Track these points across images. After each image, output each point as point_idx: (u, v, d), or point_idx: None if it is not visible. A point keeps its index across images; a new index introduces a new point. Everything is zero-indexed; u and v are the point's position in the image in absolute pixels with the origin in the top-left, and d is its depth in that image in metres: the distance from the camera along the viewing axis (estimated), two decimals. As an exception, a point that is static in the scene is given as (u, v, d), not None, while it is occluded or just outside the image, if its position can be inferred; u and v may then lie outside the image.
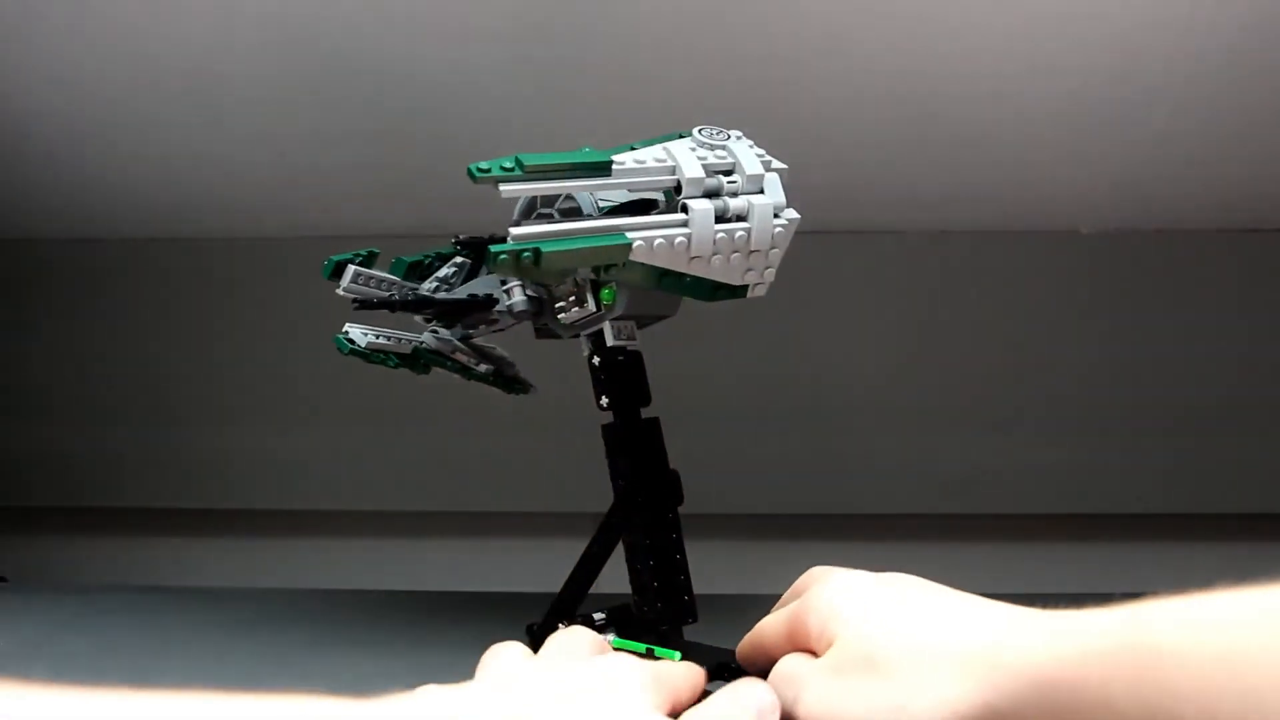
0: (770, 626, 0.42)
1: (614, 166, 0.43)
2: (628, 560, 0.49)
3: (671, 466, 0.49)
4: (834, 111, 0.68)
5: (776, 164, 0.45)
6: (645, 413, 0.49)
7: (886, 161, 0.72)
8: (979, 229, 0.79)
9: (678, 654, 0.46)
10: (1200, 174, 0.73)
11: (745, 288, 0.45)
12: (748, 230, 0.43)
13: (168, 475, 0.85)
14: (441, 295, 0.52)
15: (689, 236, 0.42)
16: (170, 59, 0.66)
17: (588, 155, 0.43)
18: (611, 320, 0.48)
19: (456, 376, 0.56)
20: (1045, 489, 0.81)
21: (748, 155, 0.44)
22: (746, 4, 0.61)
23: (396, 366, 0.54)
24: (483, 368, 0.55)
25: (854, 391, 0.81)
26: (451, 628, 0.58)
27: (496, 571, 0.83)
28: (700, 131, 0.45)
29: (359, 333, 0.53)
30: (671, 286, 0.44)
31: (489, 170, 0.41)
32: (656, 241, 0.42)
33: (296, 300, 0.84)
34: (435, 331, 0.54)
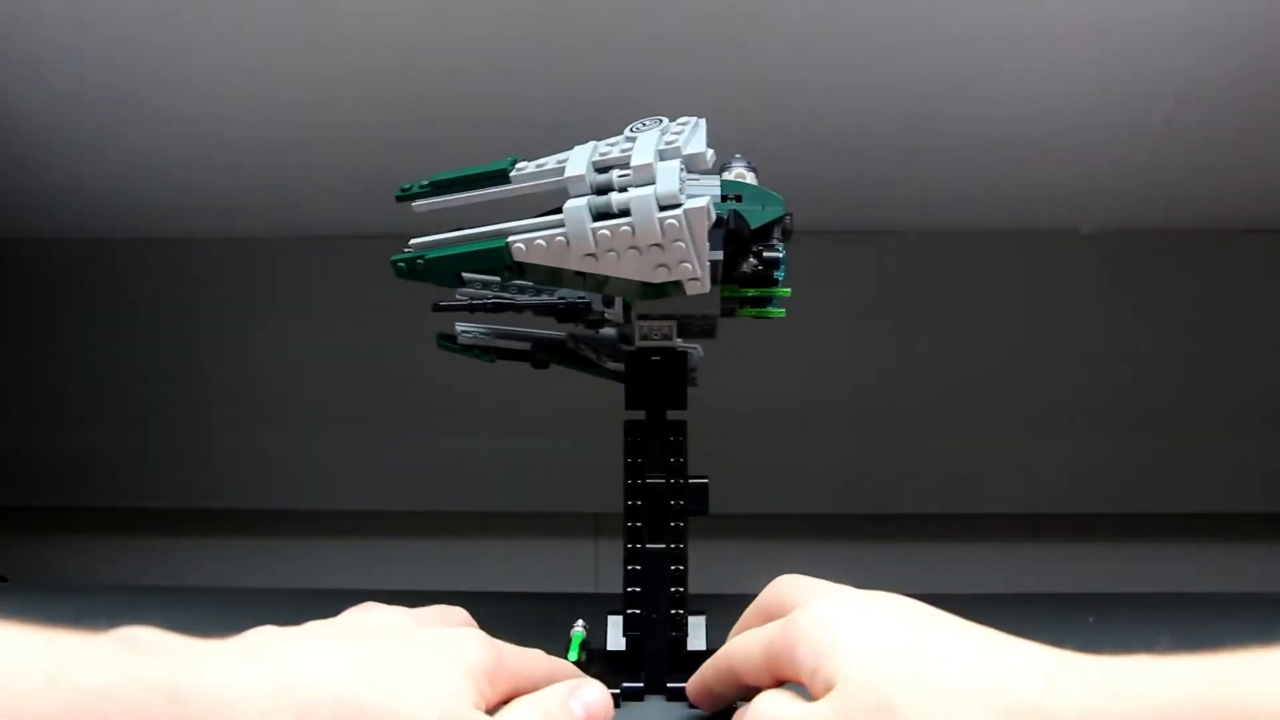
0: (743, 653, 0.38)
1: (513, 173, 0.44)
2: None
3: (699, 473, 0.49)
4: (834, 112, 0.68)
5: (693, 149, 0.43)
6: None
7: (886, 161, 0.72)
8: (979, 229, 0.79)
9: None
10: (1200, 174, 0.73)
11: (676, 284, 0.42)
12: (631, 225, 0.41)
13: (168, 475, 0.85)
14: (525, 299, 0.51)
15: (566, 235, 0.42)
16: (170, 59, 0.66)
17: (492, 165, 0.44)
18: (639, 320, 0.48)
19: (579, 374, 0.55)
20: (1045, 489, 0.81)
21: (645, 145, 0.42)
22: (747, 5, 0.61)
23: (493, 361, 0.54)
24: (612, 365, 0.54)
25: (853, 391, 0.81)
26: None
27: (496, 571, 0.83)
28: (631, 126, 0.45)
29: (467, 330, 0.54)
30: (612, 288, 0.44)
31: (409, 189, 0.46)
32: (536, 241, 0.42)
33: (296, 300, 0.84)
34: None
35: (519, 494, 0.83)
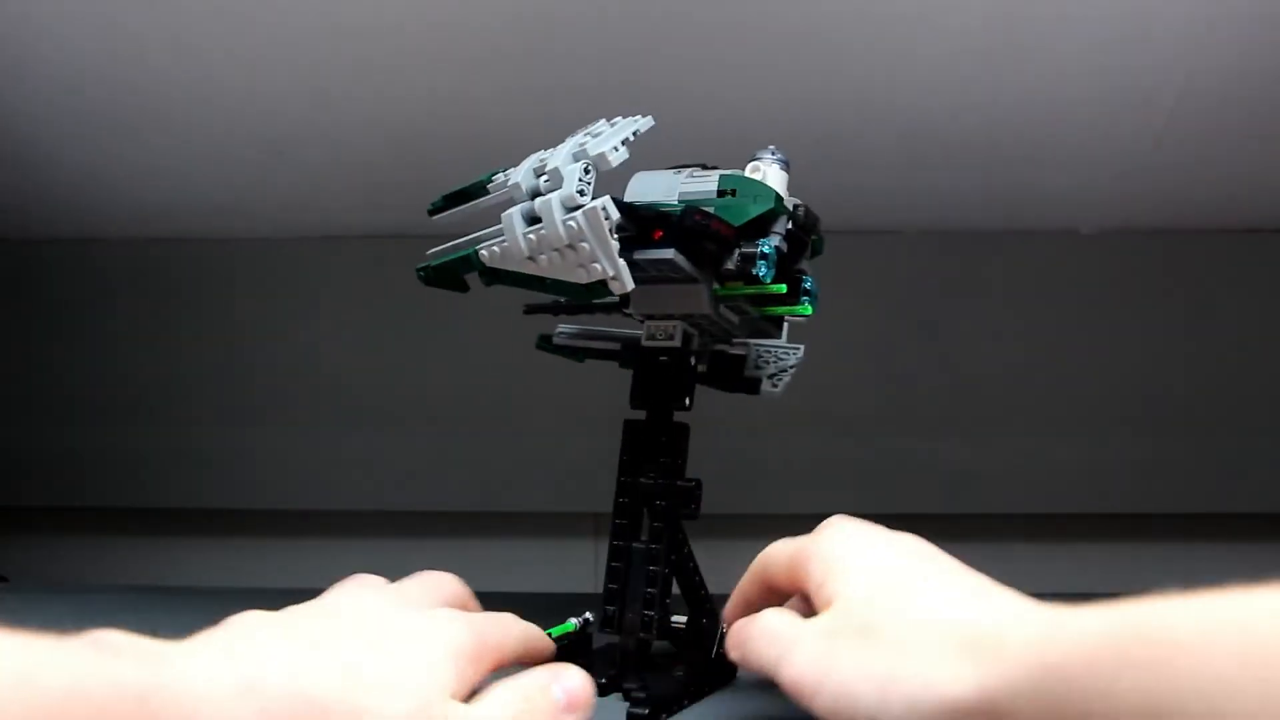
0: (774, 554, 0.43)
1: (490, 185, 0.46)
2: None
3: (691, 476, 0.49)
4: (834, 112, 0.68)
5: (600, 148, 0.43)
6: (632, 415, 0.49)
7: (886, 162, 0.72)
8: (979, 229, 0.79)
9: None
10: (1200, 174, 0.73)
11: (601, 284, 0.43)
12: (542, 229, 0.42)
13: (168, 475, 0.85)
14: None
15: (505, 243, 0.43)
16: (171, 60, 0.66)
17: (478, 178, 0.46)
18: (646, 321, 0.49)
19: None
20: (1046, 489, 0.81)
21: (565, 148, 0.43)
22: (746, 7, 0.61)
23: (582, 360, 0.54)
24: (700, 367, 0.53)
25: (853, 391, 0.81)
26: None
27: (496, 571, 0.83)
28: (584, 129, 0.46)
29: (562, 331, 0.55)
30: (555, 289, 0.44)
31: (436, 203, 0.48)
32: (493, 248, 0.44)
33: (296, 300, 0.84)
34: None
35: (519, 494, 0.83)
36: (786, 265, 0.47)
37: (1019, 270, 0.81)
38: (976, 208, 0.77)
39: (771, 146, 0.49)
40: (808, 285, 0.49)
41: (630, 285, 0.42)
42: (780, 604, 0.43)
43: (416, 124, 0.70)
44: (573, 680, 0.37)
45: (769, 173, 0.48)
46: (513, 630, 0.40)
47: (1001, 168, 0.72)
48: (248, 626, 0.33)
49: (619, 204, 0.43)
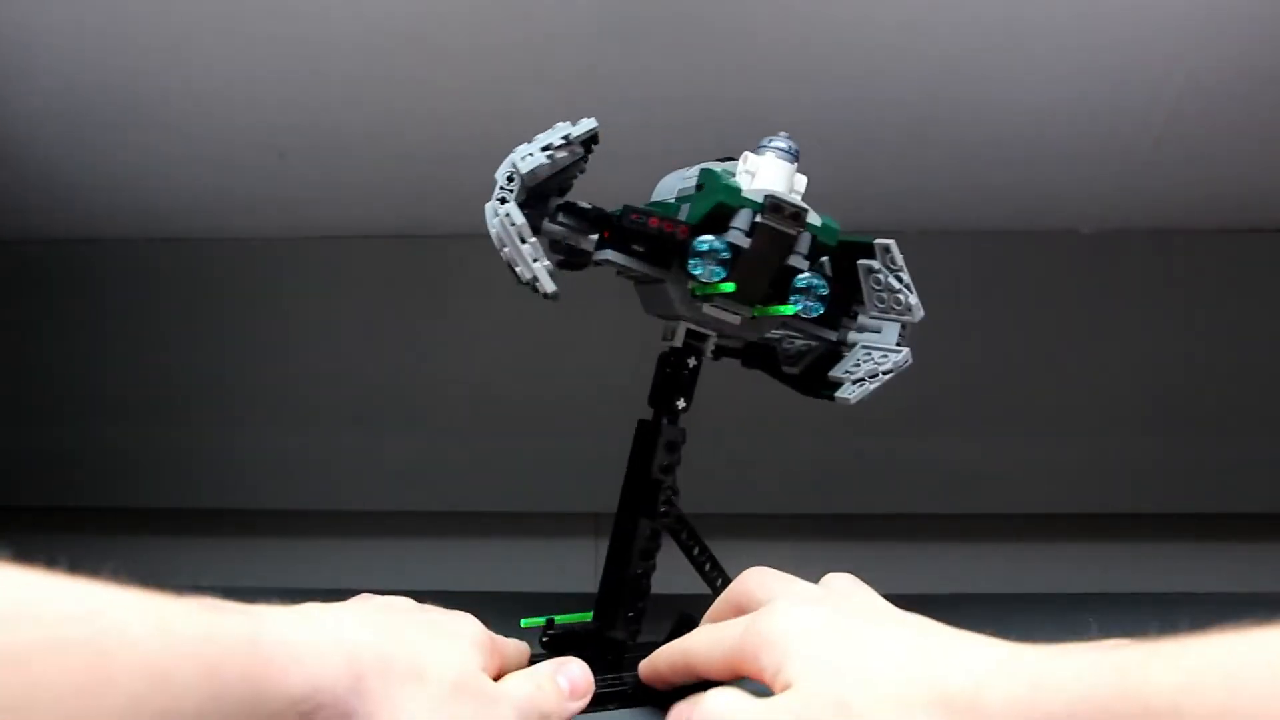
0: (704, 650, 0.41)
1: None
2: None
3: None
4: (835, 112, 0.68)
5: (519, 154, 0.45)
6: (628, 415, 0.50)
7: (887, 162, 0.72)
8: (979, 229, 0.79)
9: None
10: (1200, 174, 0.73)
11: (531, 283, 0.45)
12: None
13: (168, 475, 0.85)
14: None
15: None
16: (171, 59, 0.66)
17: None
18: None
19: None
20: (1046, 489, 0.81)
21: (513, 153, 0.45)
22: (746, 8, 0.61)
23: (717, 359, 0.53)
24: (789, 370, 0.53)
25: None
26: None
27: (496, 571, 0.83)
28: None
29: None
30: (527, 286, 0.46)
31: None
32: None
33: (296, 300, 0.84)
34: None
35: (519, 494, 0.83)
36: (756, 262, 0.46)
37: (1019, 270, 0.81)
38: (977, 208, 0.77)
39: (783, 134, 0.48)
40: (800, 283, 0.47)
41: (549, 288, 0.44)
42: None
43: (416, 124, 0.70)
44: (574, 671, 0.42)
45: (761, 164, 0.47)
46: (519, 648, 0.46)
47: (1001, 168, 0.72)
48: (317, 605, 0.38)
49: (571, 206, 0.45)
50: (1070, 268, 0.80)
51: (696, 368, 0.49)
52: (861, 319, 0.50)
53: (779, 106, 0.67)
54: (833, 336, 0.50)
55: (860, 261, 0.49)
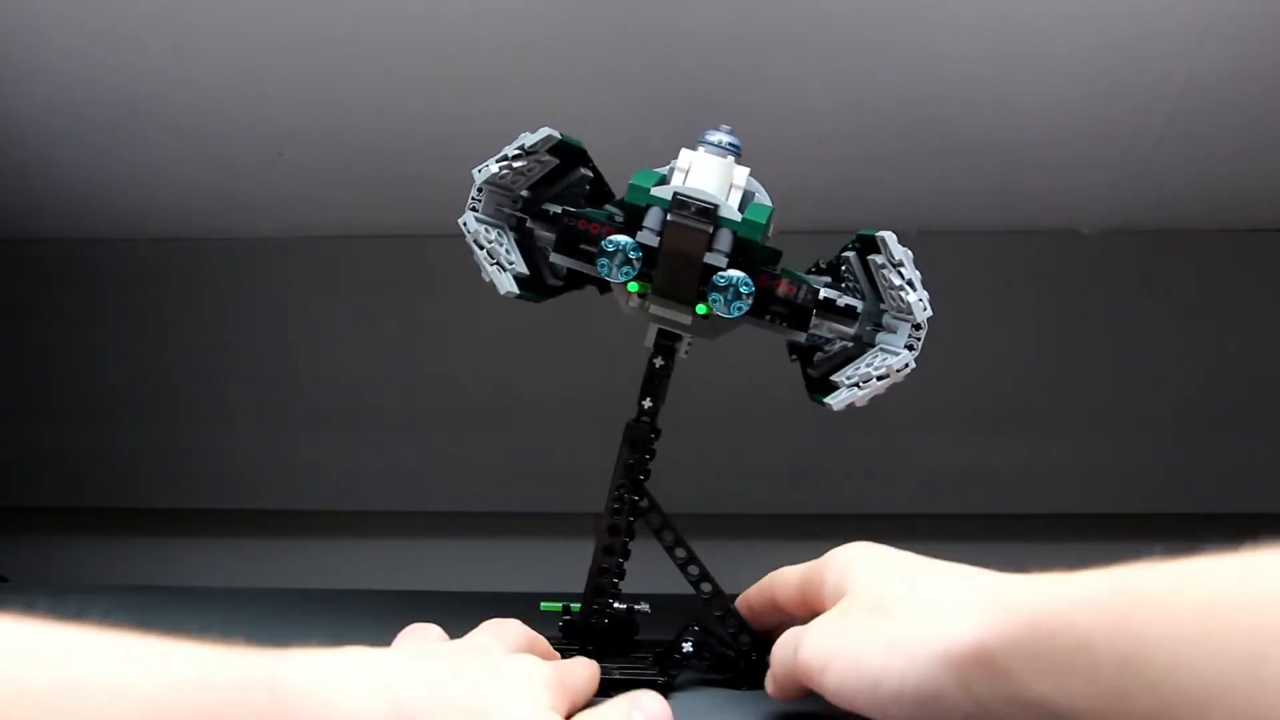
0: (784, 577, 0.45)
1: None
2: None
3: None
4: (834, 112, 0.68)
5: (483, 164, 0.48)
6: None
7: (886, 162, 0.72)
8: (979, 229, 0.79)
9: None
10: (1200, 174, 0.73)
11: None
12: None
13: (168, 475, 0.85)
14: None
15: None
16: (171, 59, 0.66)
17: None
18: None
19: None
20: (1045, 489, 0.81)
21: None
22: (746, 8, 0.61)
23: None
24: (812, 371, 0.53)
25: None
26: (451, 628, 0.58)
27: (496, 571, 0.83)
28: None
29: None
30: None
31: None
32: None
33: (296, 300, 0.84)
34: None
35: (519, 494, 0.83)
36: (675, 261, 0.46)
37: (1019, 270, 0.81)
38: (976, 208, 0.77)
39: (723, 127, 0.47)
40: (720, 281, 0.46)
41: (502, 290, 0.47)
42: (776, 624, 0.46)
43: (416, 124, 0.70)
44: (651, 705, 0.39)
45: (694, 160, 0.46)
46: (583, 672, 0.43)
47: (1001, 168, 0.72)
48: (356, 648, 0.34)
49: (544, 212, 0.48)
50: (1070, 268, 0.80)
51: (664, 368, 0.49)
52: (885, 318, 0.49)
53: (778, 106, 0.67)
54: (850, 332, 0.49)
55: (868, 257, 0.48)
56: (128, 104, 0.69)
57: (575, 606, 0.51)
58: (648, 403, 0.49)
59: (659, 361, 0.49)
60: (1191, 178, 0.73)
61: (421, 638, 0.43)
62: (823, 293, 0.48)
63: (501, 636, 0.43)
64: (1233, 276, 0.80)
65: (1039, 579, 0.33)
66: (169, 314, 0.84)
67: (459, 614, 0.62)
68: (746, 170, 0.47)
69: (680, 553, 0.49)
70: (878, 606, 0.37)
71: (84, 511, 0.86)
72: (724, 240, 0.46)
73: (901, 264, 0.47)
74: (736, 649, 0.48)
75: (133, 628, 0.28)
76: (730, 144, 0.47)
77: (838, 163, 0.70)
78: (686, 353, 0.49)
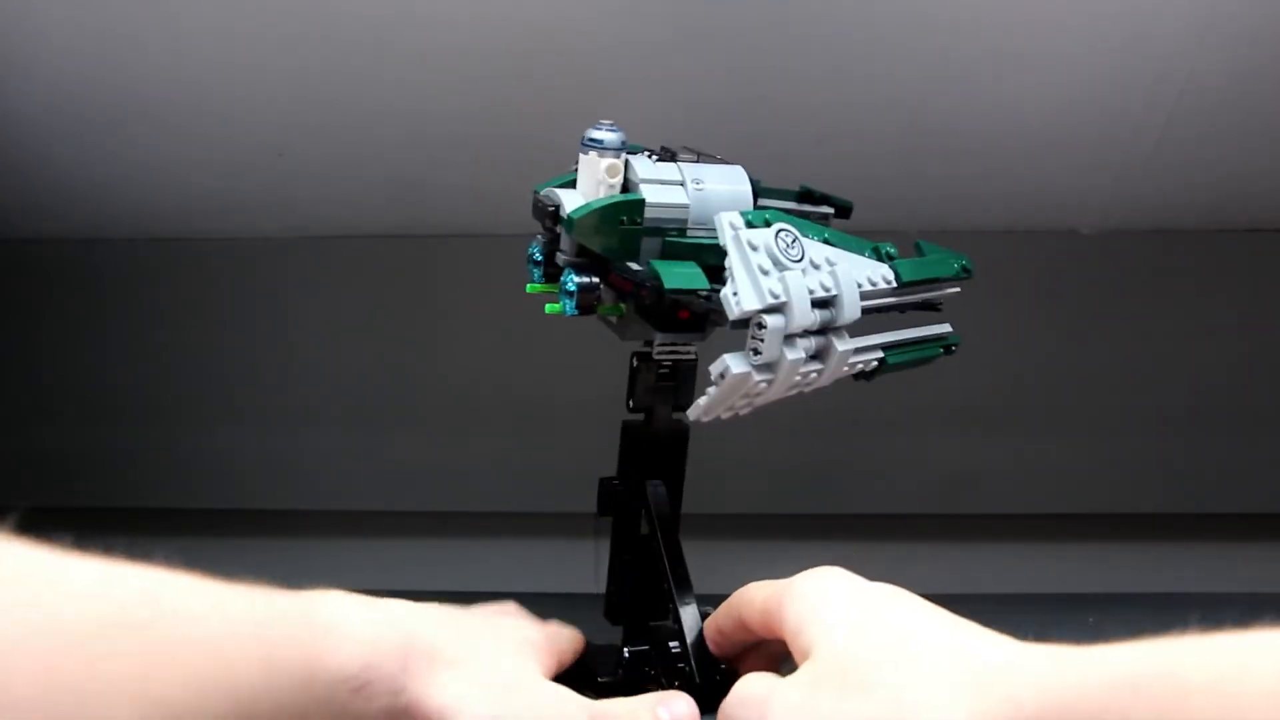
0: (748, 599, 0.41)
1: None
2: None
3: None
4: (834, 112, 0.68)
5: None
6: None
7: (886, 162, 0.72)
8: (979, 229, 0.79)
9: None
10: (1200, 174, 0.73)
11: None
12: None
13: (168, 475, 0.85)
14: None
15: None
16: (171, 59, 0.66)
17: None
18: None
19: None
20: (1045, 489, 0.81)
21: None
22: (745, 9, 0.61)
23: None
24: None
25: (853, 391, 0.81)
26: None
27: (496, 571, 0.83)
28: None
29: None
30: None
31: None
32: None
33: (296, 300, 0.84)
34: None
35: (519, 494, 0.83)
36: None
37: (1019, 270, 0.81)
38: (976, 208, 0.77)
39: (602, 123, 0.45)
40: (564, 283, 0.46)
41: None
42: (751, 641, 0.43)
43: (417, 124, 0.70)
44: (678, 707, 0.39)
45: (581, 161, 0.46)
46: (565, 633, 0.46)
47: (1001, 168, 0.72)
48: (381, 599, 0.40)
49: None
50: (1070, 268, 0.80)
51: (634, 369, 0.50)
52: None
53: (778, 107, 0.67)
54: (699, 337, 0.49)
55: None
56: (128, 104, 0.69)
57: None
58: (631, 402, 0.50)
59: (634, 362, 0.50)
60: (1191, 178, 0.73)
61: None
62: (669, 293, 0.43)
63: (491, 610, 0.47)
64: (1233, 276, 0.80)
65: (1049, 650, 0.30)
66: (169, 314, 0.84)
67: (459, 614, 0.62)
68: (618, 161, 0.45)
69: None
70: (849, 678, 0.32)
71: (83, 511, 0.86)
72: (565, 240, 0.46)
73: (727, 249, 0.42)
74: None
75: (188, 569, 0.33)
76: (592, 139, 0.45)
77: (838, 163, 0.70)
78: (692, 354, 0.49)
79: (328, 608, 0.36)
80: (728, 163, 0.47)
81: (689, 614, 0.46)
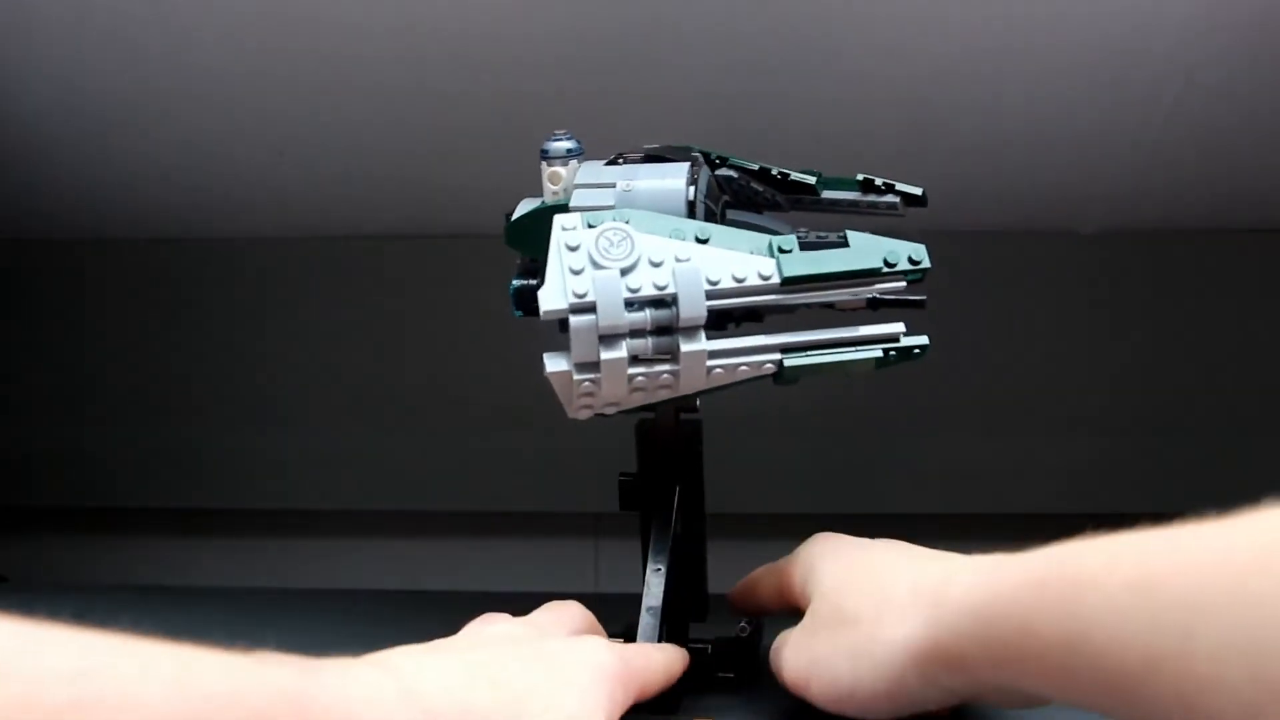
0: (763, 573, 0.47)
1: None
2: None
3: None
4: (834, 113, 0.68)
5: None
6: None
7: (886, 162, 0.72)
8: (979, 229, 0.79)
9: None
10: (1200, 174, 0.73)
11: None
12: None
13: (168, 475, 0.85)
14: None
15: None
16: (171, 59, 0.66)
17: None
18: None
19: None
20: (1046, 489, 0.81)
21: None
22: (745, 9, 0.61)
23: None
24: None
25: (854, 391, 0.81)
26: (452, 628, 0.58)
27: (496, 571, 0.83)
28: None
29: None
30: None
31: None
32: None
33: (295, 300, 0.84)
34: None
35: (519, 494, 0.83)
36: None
37: (1019, 270, 0.81)
38: (977, 208, 0.77)
39: (555, 133, 0.46)
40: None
41: None
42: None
43: (417, 124, 0.70)
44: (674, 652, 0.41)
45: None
46: (655, 657, 0.41)
47: (1001, 168, 0.72)
48: (398, 651, 0.34)
49: None
50: (1070, 268, 0.80)
51: None
52: None
53: (777, 107, 0.67)
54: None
55: None
56: (128, 104, 0.69)
57: None
58: None
59: None
60: (1191, 178, 0.73)
61: (486, 625, 0.41)
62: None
63: (562, 619, 0.42)
64: (1233, 276, 0.80)
65: (978, 565, 0.34)
66: (168, 314, 0.84)
67: (459, 614, 0.62)
68: (561, 169, 0.46)
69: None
70: (838, 617, 0.38)
71: (84, 511, 0.86)
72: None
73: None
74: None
75: (146, 633, 0.27)
76: (542, 150, 0.46)
77: (838, 162, 0.70)
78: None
79: (330, 682, 0.29)
80: (685, 160, 0.46)
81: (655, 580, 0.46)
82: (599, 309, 0.40)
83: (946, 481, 0.81)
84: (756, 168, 0.48)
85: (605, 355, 0.41)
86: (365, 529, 0.85)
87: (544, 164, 0.46)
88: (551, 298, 0.41)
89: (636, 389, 0.42)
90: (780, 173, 0.48)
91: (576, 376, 0.42)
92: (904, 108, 0.67)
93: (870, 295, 0.43)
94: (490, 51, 0.64)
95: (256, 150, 0.73)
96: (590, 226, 0.41)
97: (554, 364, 0.42)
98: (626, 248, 0.41)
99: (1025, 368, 0.81)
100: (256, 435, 0.84)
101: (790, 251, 0.42)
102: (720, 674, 0.47)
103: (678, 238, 0.42)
